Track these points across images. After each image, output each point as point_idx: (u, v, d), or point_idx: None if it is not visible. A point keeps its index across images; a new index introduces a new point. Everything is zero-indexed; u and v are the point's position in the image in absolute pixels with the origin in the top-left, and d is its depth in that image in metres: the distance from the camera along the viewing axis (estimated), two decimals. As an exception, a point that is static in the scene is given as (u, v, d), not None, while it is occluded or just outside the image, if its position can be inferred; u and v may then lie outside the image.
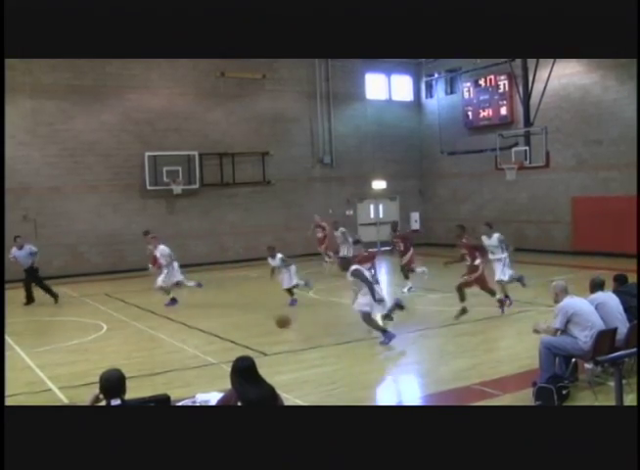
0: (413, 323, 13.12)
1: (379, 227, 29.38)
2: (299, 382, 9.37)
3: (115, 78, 23.98)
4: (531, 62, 22.77)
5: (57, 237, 22.64)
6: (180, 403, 7.22)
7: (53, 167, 23.27)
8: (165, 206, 25.15)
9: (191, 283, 17.22)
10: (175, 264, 16.83)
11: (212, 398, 7.15)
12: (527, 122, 23.21)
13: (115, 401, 5.39)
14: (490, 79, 26.71)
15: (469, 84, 27.87)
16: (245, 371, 5.72)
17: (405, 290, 16.81)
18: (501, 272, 14.27)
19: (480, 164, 26.12)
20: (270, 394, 5.77)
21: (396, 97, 30.57)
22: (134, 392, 6.03)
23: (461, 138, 27.88)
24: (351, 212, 29.07)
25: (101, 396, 5.58)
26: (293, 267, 16.21)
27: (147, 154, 24.22)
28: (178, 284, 16.94)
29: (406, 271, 17.41)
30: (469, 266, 13.51)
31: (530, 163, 21.84)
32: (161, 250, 16.87)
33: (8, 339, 12.27)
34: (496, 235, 14.54)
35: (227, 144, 25.79)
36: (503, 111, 26.40)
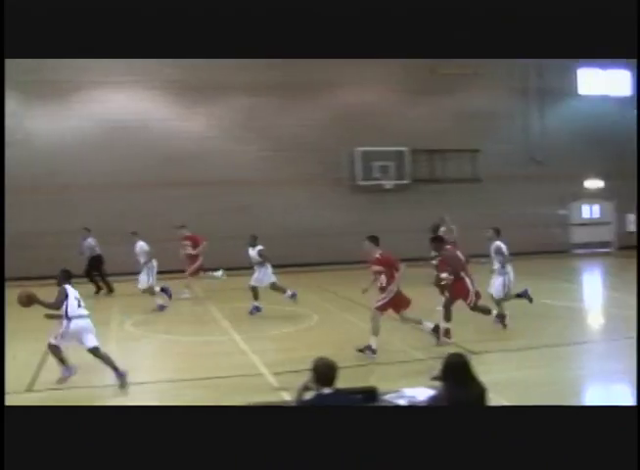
0: (623, 330, 12.36)
1: (593, 228, 28.21)
2: (508, 383, 9.10)
3: (326, 76, 24.64)
4: None
5: (270, 229, 23.34)
6: (386, 397, 7.29)
7: (266, 161, 24.52)
8: (374, 200, 25.58)
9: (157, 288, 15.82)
10: (154, 263, 15.92)
11: (419, 393, 7.16)
12: None
13: (328, 390, 5.51)
14: None
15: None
16: (455, 369, 5.55)
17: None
18: (492, 285, 13.07)
19: None
20: (478, 396, 5.55)
21: (612, 92, 28.80)
22: (342, 382, 6.07)
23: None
24: (565, 212, 28.02)
25: (312, 383, 5.69)
26: (269, 268, 14.95)
27: (357, 149, 24.74)
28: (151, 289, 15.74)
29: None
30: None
31: None
32: (141, 246, 15.98)
33: (226, 324, 12.86)
34: (496, 243, 13.02)
35: (436, 140, 25.63)
36: None
